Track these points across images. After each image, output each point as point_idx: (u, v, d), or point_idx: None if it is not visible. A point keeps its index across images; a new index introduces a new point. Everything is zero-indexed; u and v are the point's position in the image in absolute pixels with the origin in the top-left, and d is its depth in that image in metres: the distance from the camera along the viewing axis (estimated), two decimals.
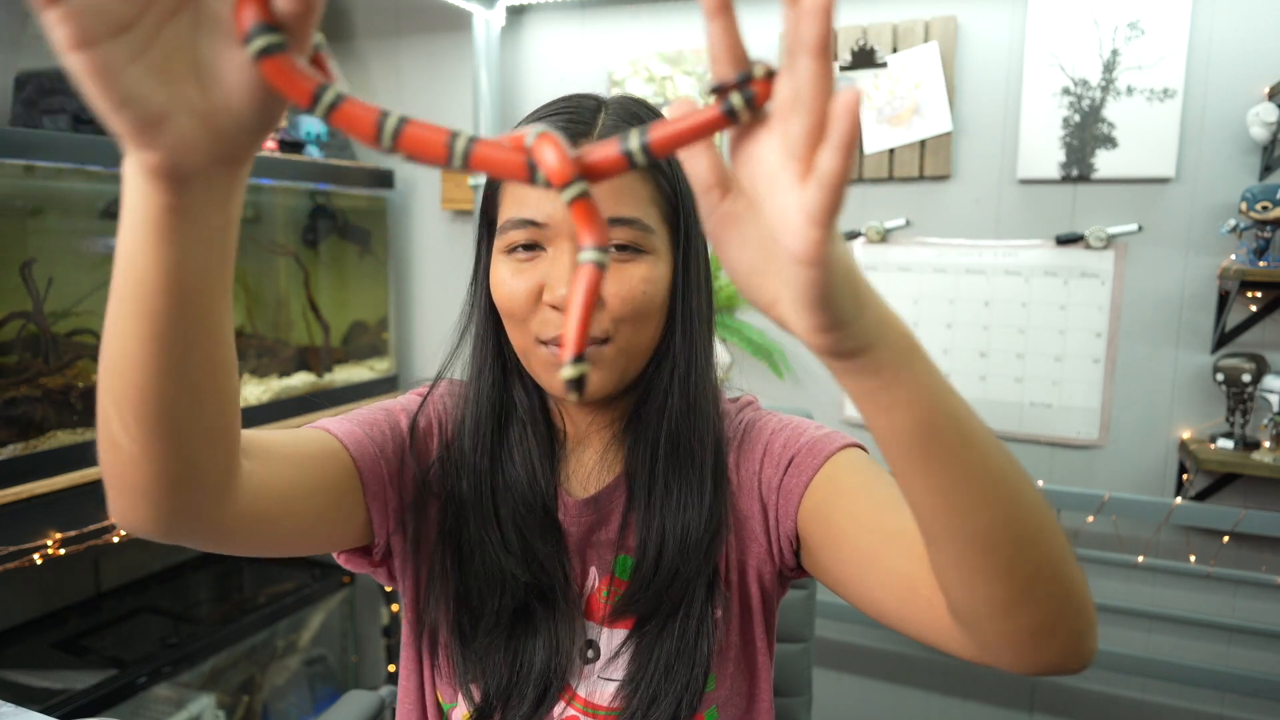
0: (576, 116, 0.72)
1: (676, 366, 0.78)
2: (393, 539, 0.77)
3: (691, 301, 0.77)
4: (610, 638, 0.77)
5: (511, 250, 0.72)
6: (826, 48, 0.35)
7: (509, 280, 0.72)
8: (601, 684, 0.77)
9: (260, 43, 0.38)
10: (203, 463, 0.52)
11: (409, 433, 0.79)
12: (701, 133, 0.41)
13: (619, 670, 0.76)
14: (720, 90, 0.40)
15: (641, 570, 0.75)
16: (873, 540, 0.65)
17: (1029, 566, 0.49)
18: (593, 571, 0.79)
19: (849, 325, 0.41)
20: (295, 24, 0.39)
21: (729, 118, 0.40)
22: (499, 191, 0.75)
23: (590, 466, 0.81)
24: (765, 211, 0.41)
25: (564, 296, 0.67)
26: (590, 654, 0.78)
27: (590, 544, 0.79)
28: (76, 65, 0.37)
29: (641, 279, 0.71)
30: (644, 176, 0.73)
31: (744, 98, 0.40)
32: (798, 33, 0.36)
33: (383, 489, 0.75)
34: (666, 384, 0.78)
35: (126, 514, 0.53)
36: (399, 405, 0.83)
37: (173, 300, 0.44)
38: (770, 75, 0.40)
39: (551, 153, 0.41)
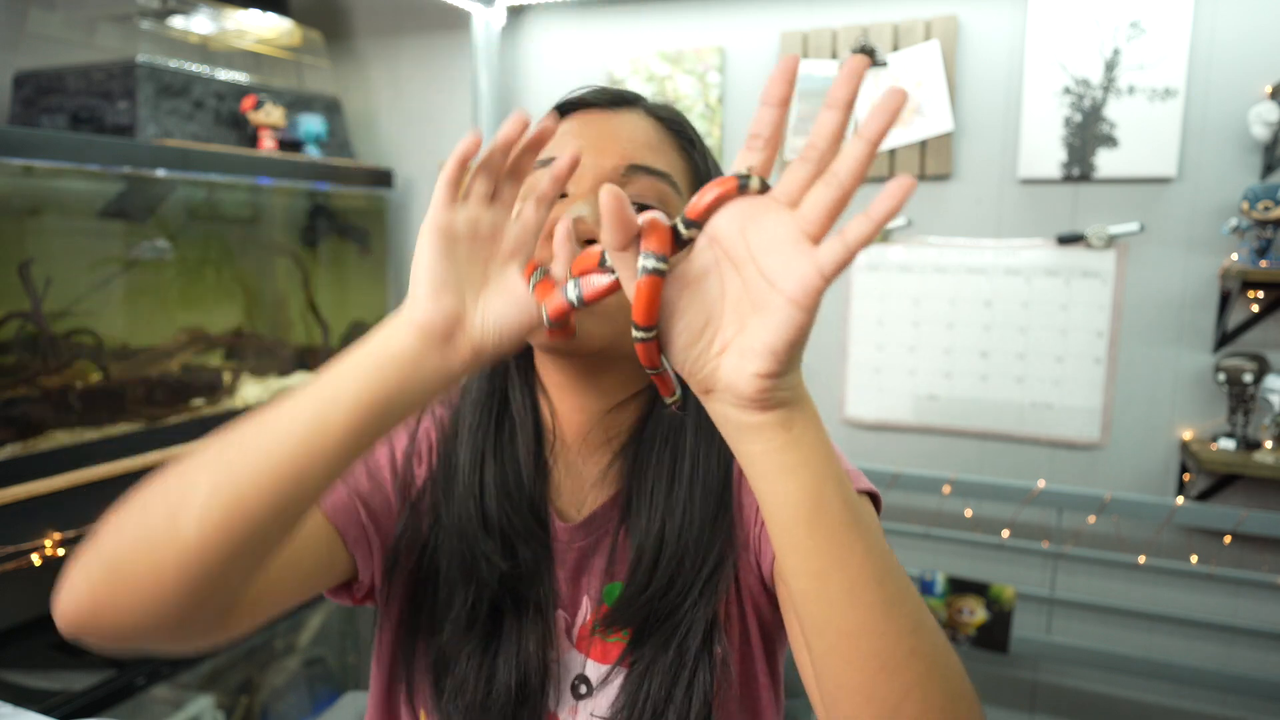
0: (626, 92, 0.74)
1: None
2: (377, 578, 0.74)
3: None
4: (603, 672, 0.71)
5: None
6: (876, 142, 0.43)
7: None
8: None
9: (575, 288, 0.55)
10: (232, 580, 0.52)
11: (397, 465, 0.75)
12: (721, 199, 0.50)
13: (613, 707, 0.69)
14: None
15: (636, 578, 0.69)
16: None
17: (892, 695, 0.47)
18: (585, 602, 0.73)
19: (788, 375, 0.47)
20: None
21: (741, 191, 0.49)
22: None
23: (586, 487, 0.74)
24: (759, 268, 0.46)
25: (588, 213, 0.65)
26: (583, 689, 0.72)
27: (582, 572, 0.73)
28: (435, 236, 0.54)
29: None
30: (679, 146, 0.73)
31: (759, 184, 0.49)
32: (860, 129, 0.43)
33: (364, 536, 0.71)
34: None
35: (115, 607, 0.50)
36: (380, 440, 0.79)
37: (341, 428, 0.51)
38: (765, 187, 0.49)
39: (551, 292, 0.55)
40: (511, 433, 0.75)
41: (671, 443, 0.71)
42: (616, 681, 0.69)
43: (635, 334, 0.51)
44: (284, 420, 0.51)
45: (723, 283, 0.48)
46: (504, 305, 0.56)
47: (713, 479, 0.71)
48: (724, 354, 0.48)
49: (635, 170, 0.69)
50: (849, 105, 0.45)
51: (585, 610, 0.73)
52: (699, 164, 0.74)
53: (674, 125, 0.74)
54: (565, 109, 0.73)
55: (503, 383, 0.76)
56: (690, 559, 0.68)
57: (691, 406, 0.66)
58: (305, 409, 0.52)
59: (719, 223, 0.48)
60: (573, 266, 0.56)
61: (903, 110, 0.44)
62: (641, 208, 0.67)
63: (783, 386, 0.47)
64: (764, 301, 0.46)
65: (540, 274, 0.57)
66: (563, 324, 0.56)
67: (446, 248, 0.55)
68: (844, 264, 0.43)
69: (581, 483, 0.75)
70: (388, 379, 0.52)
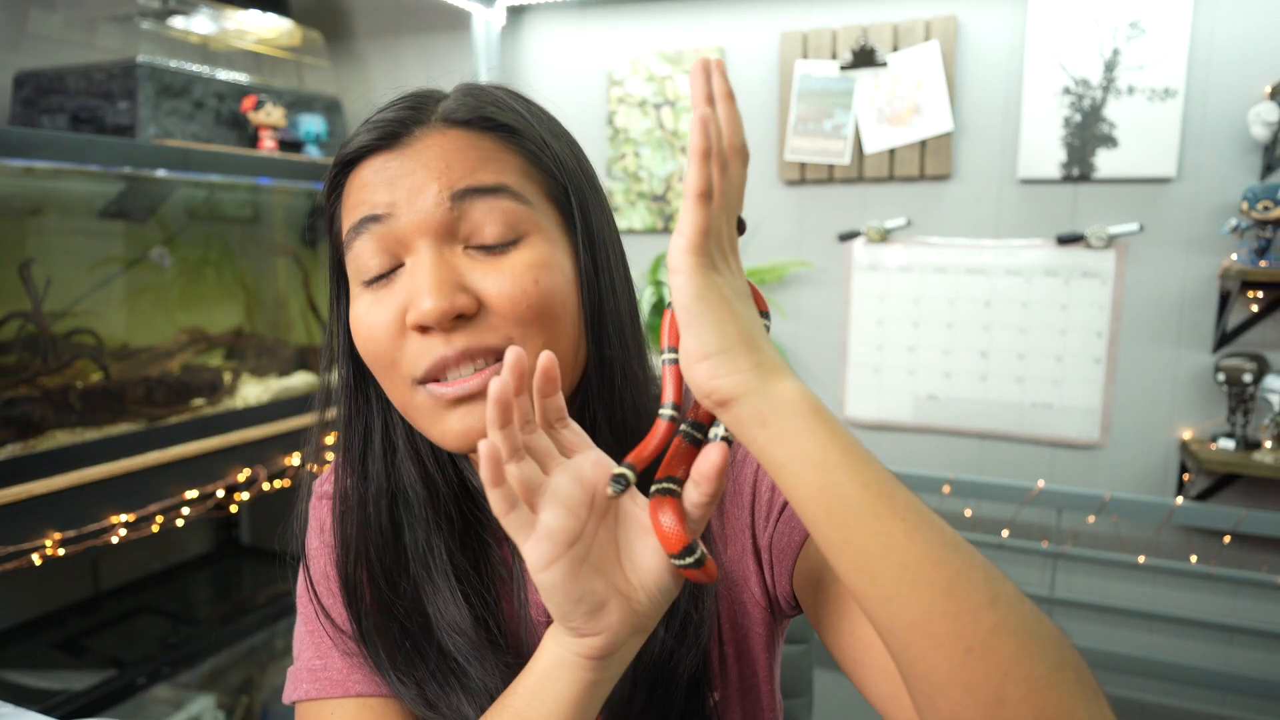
0: (415, 103, 0.61)
1: (606, 384, 0.62)
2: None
3: (606, 300, 0.62)
4: None
5: (368, 284, 0.58)
6: (706, 155, 0.44)
7: (366, 315, 0.58)
8: None
9: (698, 554, 0.48)
10: None
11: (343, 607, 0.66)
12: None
13: None
14: None
15: None
16: (867, 628, 0.56)
17: (989, 677, 0.41)
18: None
19: (720, 356, 0.44)
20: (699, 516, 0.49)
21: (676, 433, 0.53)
22: (338, 213, 0.61)
23: None
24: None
25: (430, 310, 0.54)
26: None
27: None
28: (546, 580, 0.47)
29: (527, 266, 0.57)
30: (508, 145, 0.60)
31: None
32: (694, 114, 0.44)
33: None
34: (594, 411, 0.62)
35: None
36: (310, 589, 0.69)
37: None
38: None
39: (669, 519, 0.48)
40: (428, 541, 0.64)
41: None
42: None
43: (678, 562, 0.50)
44: None
45: None
46: (652, 563, 0.49)
47: None
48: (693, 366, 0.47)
49: (462, 197, 0.56)
50: (707, 100, 0.45)
51: None
52: (532, 149, 0.61)
53: (483, 123, 0.59)
54: (352, 162, 0.60)
55: (396, 482, 0.65)
56: (652, 652, 0.61)
57: (608, 412, 0.63)
58: None
59: None
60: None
61: (716, 74, 0.45)
62: (491, 248, 0.57)
63: (722, 371, 0.44)
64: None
65: (699, 553, 0.49)
66: (700, 563, 0.49)
67: (573, 563, 0.48)
68: (693, 217, 0.44)
69: None
70: (593, 705, 0.51)
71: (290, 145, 2.13)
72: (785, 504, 0.65)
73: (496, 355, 0.56)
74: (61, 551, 1.53)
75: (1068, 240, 1.86)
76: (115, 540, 1.62)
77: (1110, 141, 1.81)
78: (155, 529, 1.70)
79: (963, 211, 1.96)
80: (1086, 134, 1.82)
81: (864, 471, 0.43)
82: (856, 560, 0.43)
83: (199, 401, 1.87)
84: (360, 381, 0.65)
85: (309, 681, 0.65)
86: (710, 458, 0.47)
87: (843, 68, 1.97)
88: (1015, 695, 0.41)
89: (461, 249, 0.57)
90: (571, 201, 0.62)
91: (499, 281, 0.56)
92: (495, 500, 0.47)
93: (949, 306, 1.98)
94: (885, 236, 2.00)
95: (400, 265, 0.58)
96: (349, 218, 0.59)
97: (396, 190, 0.57)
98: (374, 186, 0.57)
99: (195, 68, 1.90)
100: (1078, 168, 1.84)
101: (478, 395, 0.56)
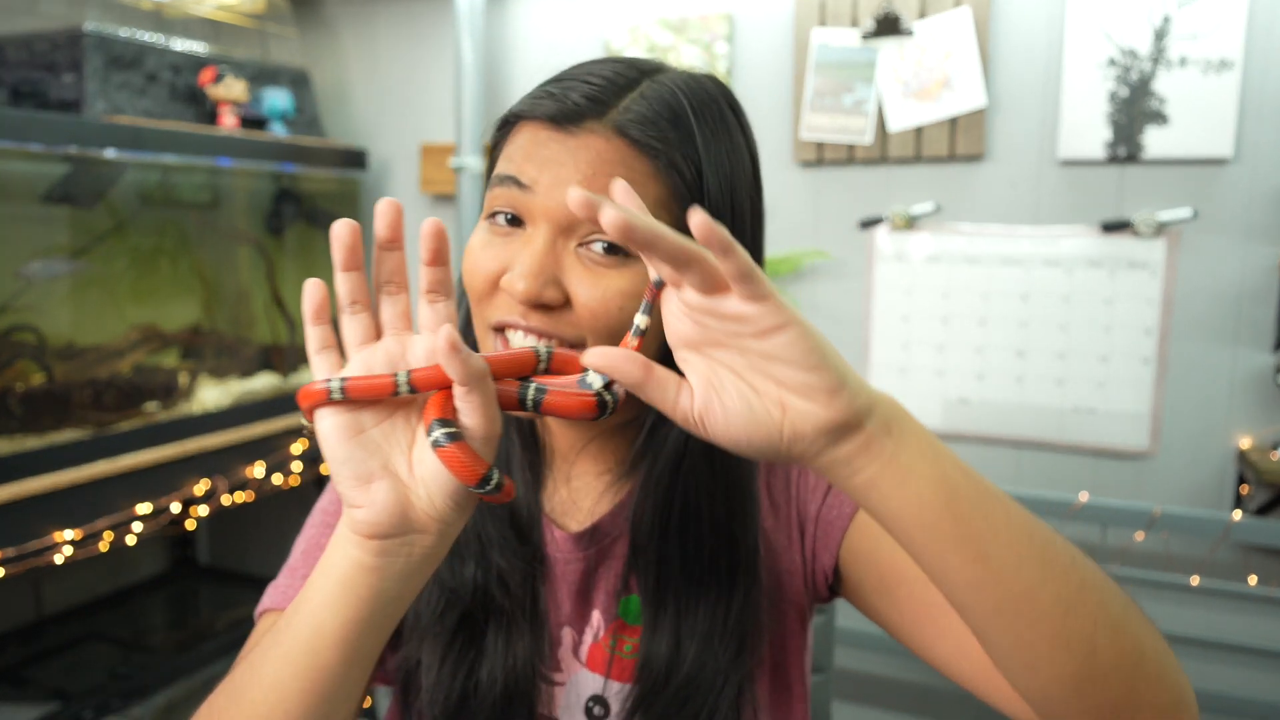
0: (605, 89, 0.67)
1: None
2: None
3: None
4: (622, 692, 0.73)
5: (492, 216, 0.68)
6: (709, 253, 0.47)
7: (477, 251, 0.69)
8: None
9: (437, 434, 0.51)
10: None
11: None
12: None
13: None
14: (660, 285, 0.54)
15: (651, 676, 0.70)
16: (940, 599, 0.60)
17: (1084, 631, 0.49)
18: (595, 616, 0.75)
19: (848, 381, 0.48)
20: (474, 428, 0.51)
21: (599, 407, 0.55)
22: (499, 152, 0.71)
23: (585, 497, 0.77)
24: (727, 343, 0.49)
25: (521, 292, 0.64)
26: (598, 710, 0.74)
27: (591, 585, 0.75)
28: (328, 420, 0.52)
29: (618, 291, 0.65)
30: (659, 174, 0.66)
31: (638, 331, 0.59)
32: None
33: None
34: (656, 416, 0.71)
35: None
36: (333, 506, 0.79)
37: (338, 655, 0.53)
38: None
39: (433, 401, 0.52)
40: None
41: (681, 482, 0.72)
42: (639, 716, 0.71)
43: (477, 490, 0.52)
44: (284, 668, 0.54)
45: (728, 373, 0.50)
46: (434, 461, 0.52)
47: (724, 517, 0.72)
48: (788, 411, 0.48)
49: None
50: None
51: (598, 627, 0.75)
52: (680, 187, 0.67)
53: (648, 147, 0.66)
54: (516, 118, 0.69)
55: None
56: (718, 644, 0.70)
57: (697, 448, 0.71)
58: (297, 649, 0.54)
59: (678, 329, 0.51)
60: (425, 413, 0.53)
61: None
62: (597, 260, 0.66)
63: (854, 392, 0.48)
64: (761, 365, 0.49)
65: (441, 431, 0.51)
66: (490, 489, 0.52)
67: (351, 424, 0.52)
68: (744, 266, 0.46)
69: (578, 494, 0.77)
70: (361, 596, 0.53)
71: (253, 122, 2.12)
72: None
73: (563, 343, 0.66)
74: (1, 572, 1.51)
75: (1113, 228, 1.85)
76: (59, 560, 1.61)
77: (1160, 118, 1.80)
78: (104, 547, 1.68)
79: (997, 196, 1.94)
80: (1134, 110, 1.81)
81: (958, 461, 0.51)
82: (972, 548, 0.49)
83: (152, 406, 1.86)
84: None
85: (268, 596, 0.76)
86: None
87: (864, 36, 1.96)
88: (1104, 643, 0.50)
89: (575, 245, 0.66)
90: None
91: (590, 293, 0.65)
92: (311, 337, 0.54)
93: (982, 301, 1.97)
94: (911, 223, 1.99)
95: (522, 225, 0.68)
96: (502, 165, 0.69)
97: (544, 173, 0.65)
98: (527, 156, 0.66)
99: (148, 37, 1.89)
100: (1124, 147, 1.83)
101: None
